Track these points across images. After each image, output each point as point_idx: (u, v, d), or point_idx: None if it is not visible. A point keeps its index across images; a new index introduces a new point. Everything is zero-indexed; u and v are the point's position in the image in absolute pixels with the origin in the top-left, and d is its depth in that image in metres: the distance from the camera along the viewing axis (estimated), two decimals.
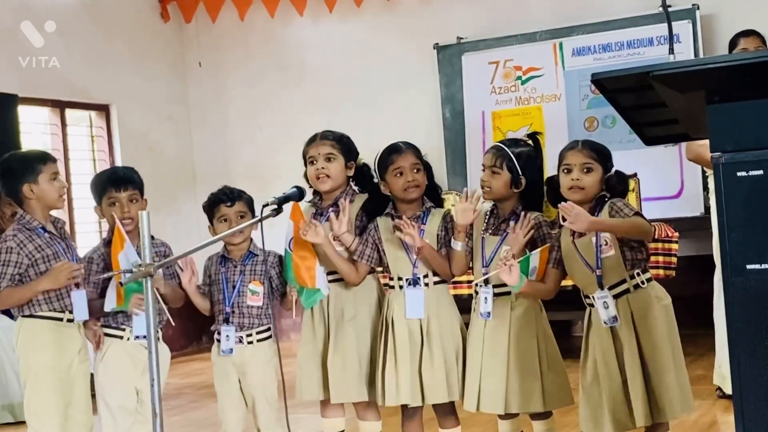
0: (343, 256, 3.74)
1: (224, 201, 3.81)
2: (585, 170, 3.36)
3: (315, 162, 3.80)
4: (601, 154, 3.39)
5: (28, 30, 7.55)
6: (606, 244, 3.31)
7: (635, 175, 3.52)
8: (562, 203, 3.28)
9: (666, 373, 3.30)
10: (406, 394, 3.63)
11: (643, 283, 3.36)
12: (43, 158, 3.76)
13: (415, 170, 3.67)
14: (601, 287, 3.33)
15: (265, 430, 3.84)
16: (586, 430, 3.41)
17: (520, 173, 3.53)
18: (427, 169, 3.76)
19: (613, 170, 3.42)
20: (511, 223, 3.54)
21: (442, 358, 3.62)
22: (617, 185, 3.40)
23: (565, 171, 3.39)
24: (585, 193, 3.36)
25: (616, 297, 3.32)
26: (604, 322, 3.32)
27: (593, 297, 3.36)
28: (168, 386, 6.38)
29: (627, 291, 3.33)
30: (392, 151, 3.72)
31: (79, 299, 3.70)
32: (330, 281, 3.79)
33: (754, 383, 2.10)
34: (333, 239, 3.74)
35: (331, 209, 3.80)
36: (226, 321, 3.80)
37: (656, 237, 5.80)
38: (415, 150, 3.73)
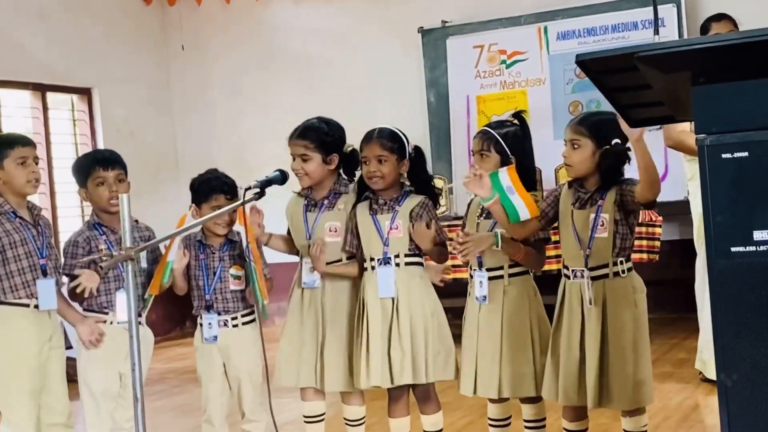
0: (348, 267, 3.76)
1: (225, 192, 3.76)
2: (573, 146, 3.33)
3: (294, 159, 3.79)
4: (592, 128, 3.31)
5: (9, 13, 7.48)
6: (602, 225, 3.29)
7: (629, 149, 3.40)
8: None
9: (623, 365, 3.27)
10: (376, 376, 3.63)
11: (623, 272, 3.33)
12: (10, 142, 3.67)
13: (379, 161, 3.63)
14: (586, 267, 3.32)
15: (250, 415, 3.83)
16: (546, 397, 3.45)
17: (509, 153, 3.52)
18: (417, 159, 3.73)
19: (613, 142, 3.29)
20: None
21: (410, 339, 3.61)
22: (611, 159, 3.29)
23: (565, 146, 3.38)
24: (574, 171, 3.34)
25: (594, 279, 3.31)
26: (585, 302, 3.31)
27: (573, 271, 3.35)
28: (151, 371, 6.36)
29: (606, 276, 3.31)
30: (364, 139, 3.70)
31: (45, 289, 3.63)
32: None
33: (738, 366, 2.09)
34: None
35: (325, 200, 3.79)
36: (208, 308, 3.78)
37: (640, 221, 5.81)
38: (384, 140, 3.65)
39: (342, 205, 3.79)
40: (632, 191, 3.26)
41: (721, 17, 5.20)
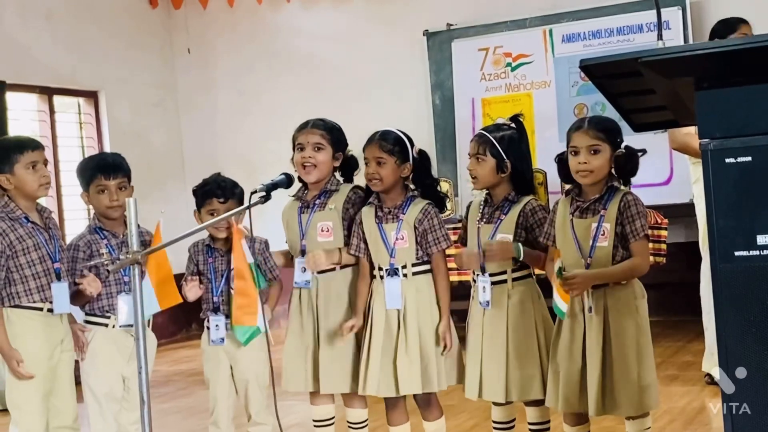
0: (362, 292, 3.74)
1: (217, 196, 3.77)
2: (592, 152, 3.30)
3: (303, 149, 3.79)
4: (609, 132, 3.31)
5: (15, 16, 7.51)
6: (603, 235, 3.27)
7: (644, 152, 3.42)
8: (566, 283, 3.23)
9: (627, 372, 3.26)
10: (372, 386, 3.63)
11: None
12: (20, 146, 3.64)
13: (377, 163, 3.64)
14: None
15: (256, 417, 3.84)
16: (548, 404, 3.45)
17: (504, 157, 3.52)
18: (422, 163, 3.72)
19: (623, 146, 3.32)
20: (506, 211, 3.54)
21: (418, 348, 3.60)
22: (626, 164, 3.30)
23: (573, 153, 3.34)
24: (594, 176, 3.32)
25: (595, 288, 3.30)
26: (586, 310, 3.31)
27: None
28: (157, 373, 6.37)
29: (607, 284, 3.30)
30: (367, 140, 3.71)
31: (59, 292, 3.62)
32: (320, 271, 3.78)
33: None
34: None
35: (317, 200, 3.80)
36: (215, 311, 3.80)
37: None
38: (384, 143, 3.65)
39: (333, 204, 3.79)
40: (632, 215, 3.26)
41: (746, 21, 5.13)
